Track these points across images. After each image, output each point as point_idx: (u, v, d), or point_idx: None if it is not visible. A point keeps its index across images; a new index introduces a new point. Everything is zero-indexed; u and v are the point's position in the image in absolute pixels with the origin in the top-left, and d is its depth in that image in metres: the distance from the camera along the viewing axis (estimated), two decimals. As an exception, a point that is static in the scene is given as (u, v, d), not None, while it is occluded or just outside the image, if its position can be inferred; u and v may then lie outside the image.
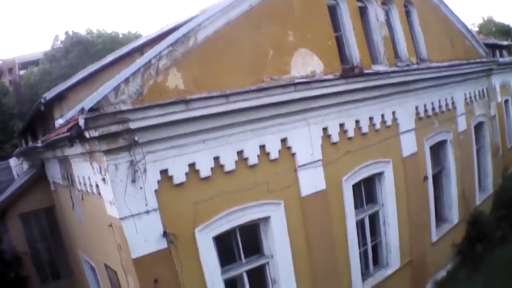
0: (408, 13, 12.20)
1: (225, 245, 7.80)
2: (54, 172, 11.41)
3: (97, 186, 7.28)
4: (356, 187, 10.06)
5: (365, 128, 9.98)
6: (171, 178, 6.90)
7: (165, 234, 6.68)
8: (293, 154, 8.55)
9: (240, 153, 7.69)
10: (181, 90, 6.87)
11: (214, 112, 7.08)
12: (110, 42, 41.15)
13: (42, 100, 10.71)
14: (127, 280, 7.09)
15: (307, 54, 8.93)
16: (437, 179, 13.02)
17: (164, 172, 6.81)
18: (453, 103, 13.20)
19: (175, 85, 6.83)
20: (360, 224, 10.28)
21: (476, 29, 43.68)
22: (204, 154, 7.20)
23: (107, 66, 11.39)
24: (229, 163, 7.53)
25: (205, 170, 7.24)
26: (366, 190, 10.46)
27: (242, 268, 7.98)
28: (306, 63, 8.85)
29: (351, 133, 9.67)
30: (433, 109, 12.23)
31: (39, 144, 9.98)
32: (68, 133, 6.45)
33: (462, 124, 13.65)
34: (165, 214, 6.76)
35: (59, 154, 9.38)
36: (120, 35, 45.73)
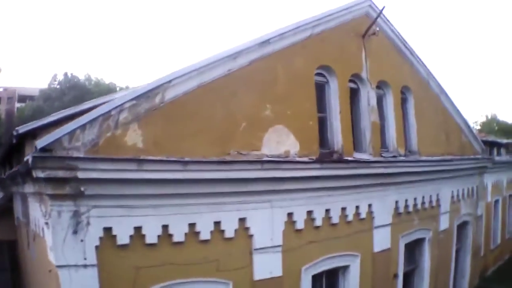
0: (404, 100, 11.88)
1: None
2: (18, 207, 11.06)
3: (43, 229, 6.98)
4: (317, 278, 9.51)
5: (335, 219, 9.49)
6: (114, 237, 6.55)
7: None
8: (251, 236, 8.06)
9: (192, 225, 7.27)
10: (139, 149, 6.60)
11: (169, 178, 6.75)
12: (106, 92, 40.94)
13: (14, 133, 10.33)
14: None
15: (284, 132, 8.59)
16: (409, 277, 12.40)
17: (107, 230, 6.49)
18: (437, 200, 12.72)
19: (133, 142, 6.58)
20: None
21: (479, 127, 43.57)
22: (153, 220, 6.83)
23: (85, 112, 10.96)
24: (178, 233, 7.12)
25: (151, 236, 6.85)
26: (328, 283, 9.86)
27: None
28: (281, 142, 8.50)
29: (318, 222, 9.18)
30: (415, 205, 11.74)
31: (3, 176, 9.63)
32: (17, 168, 6.31)
33: (444, 222, 13.14)
34: (104, 272, 6.42)
35: (20, 190, 9.05)
36: (117, 88, 45.23)
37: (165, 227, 6.96)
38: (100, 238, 6.42)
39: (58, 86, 43.01)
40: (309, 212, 8.99)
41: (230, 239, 7.75)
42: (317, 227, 9.17)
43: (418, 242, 12.39)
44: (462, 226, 14.52)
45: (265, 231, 8.21)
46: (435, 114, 12.90)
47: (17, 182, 8.71)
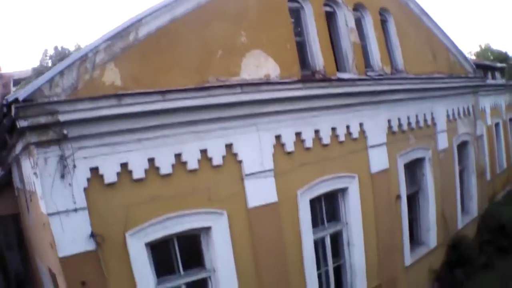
0: (384, 22, 11.70)
1: (162, 255, 7.26)
2: (15, 176, 10.93)
3: (34, 182, 6.97)
4: (315, 203, 9.45)
5: (326, 139, 9.37)
6: (101, 177, 6.53)
7: (92, 235, 6.35)
8: (240, 161, 7.92)
9: (178, 156, 7.19)
10: (118, 87, 6.57)
11: (149, 109, 6.69)
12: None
13: (4, 102, 10.27)
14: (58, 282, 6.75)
15: (262, 56, 8.45)
16: (413, 199, 12.37)
17: (94, 170, 6.47)
18: (432, 118, 12.59)
19: (111, 81, 6.56)
20: (321, 243, 9.63)
21: (473, 57, 43.40)
22: (138, 154, 6.78)
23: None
24: (165, 166, 7.05)
25: (138, 171, 6.80)
26: (328, 207, 9.80)
27: (180, 281, 7.42)
28: (260, 66, 8.39)
29: (309, 143, 9.06)
30: (409, 123, 11.60)
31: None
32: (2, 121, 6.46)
33: (443, 141, 13.02)
34: (94, 214, 6.43)
35: (14, 155, 8.85)
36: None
37: (151, 160, 6.91)
38: (88, 180, 6.41)
39: (49, 61, 42.48)
40: (298, 134, 8.88)
41: (218, 166, 7.65)
42: (308, 148, 9.07)
43: (418, 163, 12.30)
44: (462, 146, 14.41)
45: (254, 156, 8.10)
46: (418, 34, 12.75)
47: (10, 148, 8.63)
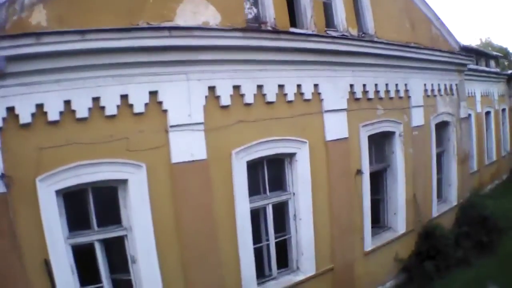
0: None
1: (77, 207, 6.87)
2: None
3: None
4: (257, 167, 8.76)
5: (271, 97, 8.60)
6: (17, 117, 6.22)
7: (3, 176, 6.09)
8: (165, 111, 7.29)
9: (96, 99, 6.70)
10: (43, 27, 6.30)
11: (68, 49, 6.32)
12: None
13: None
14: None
15: (201, 2, 7.85)
16: (380, 177, 11.58)
17: (11, 109, 6.18)
18: (406, 91, 11.77)
19: (38, 22, 6.30)
20: (263, 214, 8.91)
21: None
22: (55, 96, 6.43)
23: None
24: (81, 109, 6.61)
25: (53, 113, 6.44)
26: (272, 174, 9.03)
27: (93, 237, 6.94)
28: (198, 12, 7.77)
29: (249, 99, 8.30)
30: (377, 91, 10.80)
31: None
32: None
33: (417, 117, 12.19)
34: (8, 155, 6.16)
35: None
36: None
37: (67, 102, 6.50)
38: (4, 119, 6.13)
39: None
40: (237, 88, 8.14)
41: (140, 114, 7.06)
42: (248, 104, 8.31)
43: (387, 137, 11.51)
44: (442, 127, 13.56)
45: (181, 106, 7.45)
46: (395, 1, 11.88)
47: None
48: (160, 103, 7.25)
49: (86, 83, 6.59)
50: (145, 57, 6.95)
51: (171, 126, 7.32)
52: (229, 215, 8.07)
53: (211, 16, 7.93)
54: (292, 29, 9.16)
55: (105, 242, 7.02)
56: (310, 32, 9.33)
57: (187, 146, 7.49)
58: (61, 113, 6.44)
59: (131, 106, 6.96)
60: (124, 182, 6.96)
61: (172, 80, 7.36)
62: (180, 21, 7.52)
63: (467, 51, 16.51)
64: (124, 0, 6.96)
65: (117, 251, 7.15)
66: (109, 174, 6.88)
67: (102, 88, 6.71)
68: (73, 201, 6.76)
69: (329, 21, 10.17)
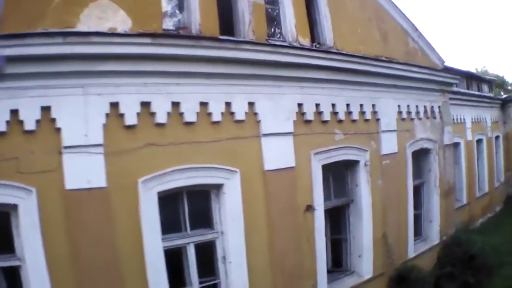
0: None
1: None
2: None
3: None
4: (174, 200, 7.51)
5: (190, 116, 7.35)
6: None
7: None
8: (58, 130, 6.31)
9: None
10: None
11: None
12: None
13: None
14: None
15: (110, 7, 6.83)
16: (341, 214, 10.25)
17: None
18: (375, 112, 10.48)
19: None
20: (185, 254, 7.58)
21: None
22: None
23: None
24: None
25: None
26: (196, 209, 7.72)
27: None
28: (105, 18, 6.76)
29: (161, 118, 7.07)
30: (335, 113, 9.52)
31: None
32: None
33: (389, 144, 10.86)
34: None
35: None
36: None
37: None
38: None
39: None
40: (146, 104, 6.95)
41: (31, 132, 6.16)
42: (161, 124, 7.09)
43: (350, 167, 10.18)
44: (421, 155, 12.20)
45: (76, 125, 6.40)
46: (362, 8, 10.85)
47: None
48: (53, 120, 6.26)
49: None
50: (36, 67, 6.08)
51: (65, 147, 6.29)
52: (136, 253, 6.80)
53: (120, 22, 6.84)
54: (224, 37, 7.90)
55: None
56: (242, 39, 8.01)
57: (83, 171, 6.40)
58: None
59: (21, 122, 6.08)
60: (14, 207, 6.08)
61: (67, 94, 6.33)
62: (83, 27, 6.50)
63: (455, 72, 15.28)
64: (23, 7, 6.16)
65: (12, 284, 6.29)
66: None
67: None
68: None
69: (274, 29, 9.12)
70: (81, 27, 6.48)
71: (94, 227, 6.48)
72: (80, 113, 6.38)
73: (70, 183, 6.29)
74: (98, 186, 6.47)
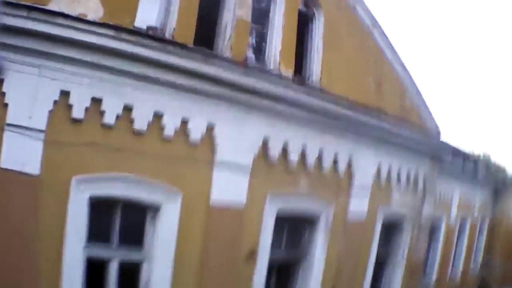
0: (308, 16, 10.64)
1: None
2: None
3: None
4: (111, 209, 8.02)
5: (140, 124, 7.90)
6: None
7: None
8: (5, 105, 6.88)
9: None
10: None
11: None
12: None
13: None
14: None
15: None
16: (289, 268, 10.72)
17: None
18: (349, 165, 11.08)
19: None
20: (107, 271, 7.97)
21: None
22: None
23: None
24: None
25: None
26: (127, 223, 8.18)
27: None
28: (78, 2, 7.33)
29: (110, 119, 7.66)
30: (303, 156, 10.11)
31: None
32: None
33: (359, 204, 11.50)
34: None
35: None
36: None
37: None
38: None
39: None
40: (97, 101, 7.51)
41: None
42: (108, 126, 7.65)
43: (309, 221, 10.73)
44: (393, 229, 12.79)
45: (24, 105, 6.92)
46: (361, 50, 11.56)
47: None
48: (3, 94, 6.75)
49: None
50: None
51: (8, 125, 6.79)
52: (55, 252, 7.25)
53: (92, 9, 7.41)
54: (194, 46, 8.51)
55: None
56: (213, 52, 8.73)
57: (20, 153, 6.88)
58: None
59: None
60: None
61: (22, 72, 6.85)
62: (54, 6, 7.01)
63: (450, 147, 16.17)
64: None
65: None
66: None
67: None
68: None
69: (255, 51, 9.70)
70: (51, 6, 6.98)
71: (19, 213, 6.91)
72: (30, 93, 6.89)
73: (5, 162, 6.72)
74: (31, 172, 6.90)
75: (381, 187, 12.08)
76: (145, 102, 7.91)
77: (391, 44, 12.23)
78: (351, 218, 11.36)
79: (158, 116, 8.07)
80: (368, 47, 11.78)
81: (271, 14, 9.91)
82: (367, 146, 11.44)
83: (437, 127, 13.69)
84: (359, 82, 11.40)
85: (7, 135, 6.74)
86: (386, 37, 12.08)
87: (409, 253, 13.22)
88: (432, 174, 13.72)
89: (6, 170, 6.72)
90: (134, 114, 7.83)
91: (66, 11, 7.04)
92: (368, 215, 11.78)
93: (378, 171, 11.94)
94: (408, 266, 13.26)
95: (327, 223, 10.82)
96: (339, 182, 11.01)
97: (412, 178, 13.03)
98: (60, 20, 6.92)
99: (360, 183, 11.41)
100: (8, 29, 6.51)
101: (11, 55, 6.67)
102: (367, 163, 11.51)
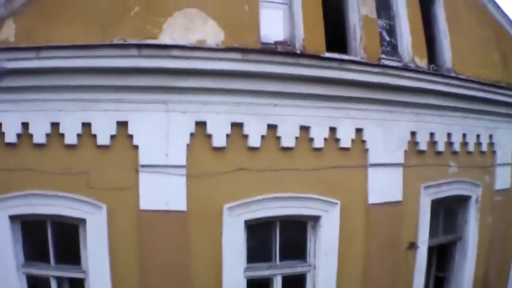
0: (429, 1, 7.68)
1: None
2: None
3: None
4: (262, 229, 5.95)
5: (288, 140, 5.76)
6: None
7: None
8: (136, 147, 5.28)
9: (55, 125, 5.15)
10: (10, 42, 5.03)
11: (22, 67, 4.94)
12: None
13: None
14: None
15: (198, 16, 5.49)
16: (447, 252, 8.00)
17: None
18: (491, 144, 8.11)
19: (5, 37, 5.03)
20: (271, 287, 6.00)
21: None
22: (13, 116, 5.05)
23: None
24: (39, 133, 5.13)
25: (10, 134, 5.10)
26: (287, 239, 6.09)
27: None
28: (192, 29, 5.46)
29: (255, 141, 5.58)
30: (450, 143, 7.37)
31: None
32: None
33: (502, 179, 8.39)
34: None
35: None
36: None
37: (25, 124, 5.11)
38: None
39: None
40: (238, 126, 5.52)
41: (105, 147, 5.25)
42: (254, 148, 5.61)
43: (460, 203, 7.95)
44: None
45: (156, 143, 5.25)
46: (481, 25, 8.38)
47: None
48: (131, 136, 5.27)
49: (43, 105, 5.07)
50: (110, 80, 5.13)
51: (142, 166, 5.26)
52: (213, 283, 5.50)
53: (211, 34, 5.48)
54: (330, 54, 6.18)
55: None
56: (347, 58, 6.30)
57: (161, 192, 5.30)
58: (18, 135, 5.07)
59: (94, 136, 5.20)
60: (83, 222, 5.28)
61: (145, 110, 5.23)
62: (166, 38, 5.29)
63: None
64: (99, 15, 5.19)
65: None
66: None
67: (63, 113, 5.11)
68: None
69: (388, 47, 7.13)
70: (164, 38, 5.28)
71: (167, 251, 5.37)
72: (161, 131, 5.23)
73: (145, 203, 5.27)
74: (177, 209, 5.33)
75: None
76: (289, 118, 5.77)
77: (505, 13, 8.88)
78: (497, 193, 8.31)
79: (304, 130, 5.88)
80: (486, 22, 8.60)
81: (394, 6, 7.20)
82: (503, 122, 8.38)
83: None
84: (485, 60, 8.34)
85: (142, 176, 5.26)
86: (500, 8, 8.73)
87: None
88: None
89: (146, 211, 5.28)
90: (280, 132, 5.73)
91: (181, 41, 5.28)
92: (511, 186, 8.59)
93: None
94: None
95: (478, 202, 7.97)
96: (484, 161, 8.07)
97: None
98: (175, 53, 5.15)
99: (502, 158, 8.38)
100: (120, 71, 5.09)
101: (129, 96, 5.19)
102: (505, 139, 8.44)
